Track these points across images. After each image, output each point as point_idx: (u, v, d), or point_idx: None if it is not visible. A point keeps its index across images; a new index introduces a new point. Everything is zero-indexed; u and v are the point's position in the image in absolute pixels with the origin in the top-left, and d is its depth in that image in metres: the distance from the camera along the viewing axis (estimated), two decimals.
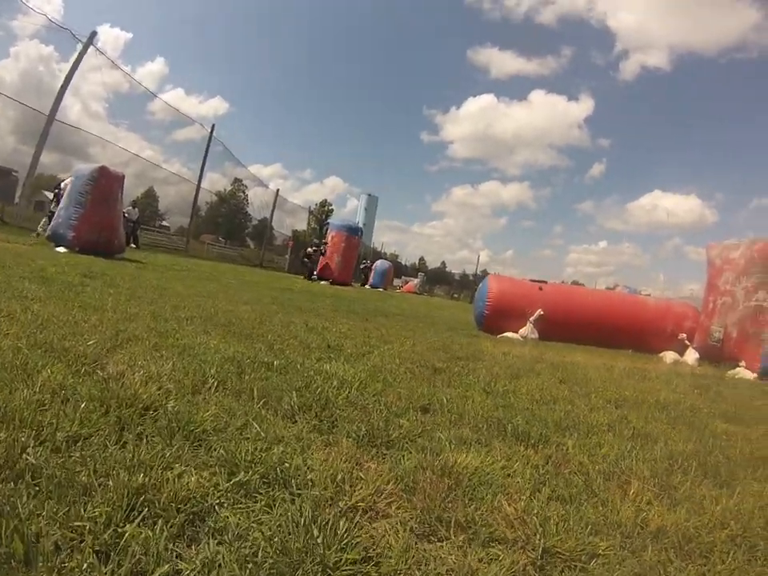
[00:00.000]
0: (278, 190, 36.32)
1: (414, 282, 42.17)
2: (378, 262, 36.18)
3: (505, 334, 8.55)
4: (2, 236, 11.52)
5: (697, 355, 8.31)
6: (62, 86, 18.41)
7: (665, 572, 1.47)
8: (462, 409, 2.93)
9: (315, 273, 23.15)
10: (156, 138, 43.01)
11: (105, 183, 11.69)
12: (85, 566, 1.09)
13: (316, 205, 55.98)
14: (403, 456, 2.04)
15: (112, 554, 1.15)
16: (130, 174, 12.66)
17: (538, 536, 1.53)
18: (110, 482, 1.42)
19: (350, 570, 1.25)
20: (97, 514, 1.28)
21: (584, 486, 2.04)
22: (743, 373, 7.31)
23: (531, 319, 8.69)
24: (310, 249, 23.88)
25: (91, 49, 18.89)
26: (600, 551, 1.52)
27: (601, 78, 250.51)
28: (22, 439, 1.57)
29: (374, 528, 1.47)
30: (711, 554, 1.60)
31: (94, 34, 19.12)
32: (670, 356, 8.22)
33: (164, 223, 35.54)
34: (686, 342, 8.69)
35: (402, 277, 47.44)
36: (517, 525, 1.60)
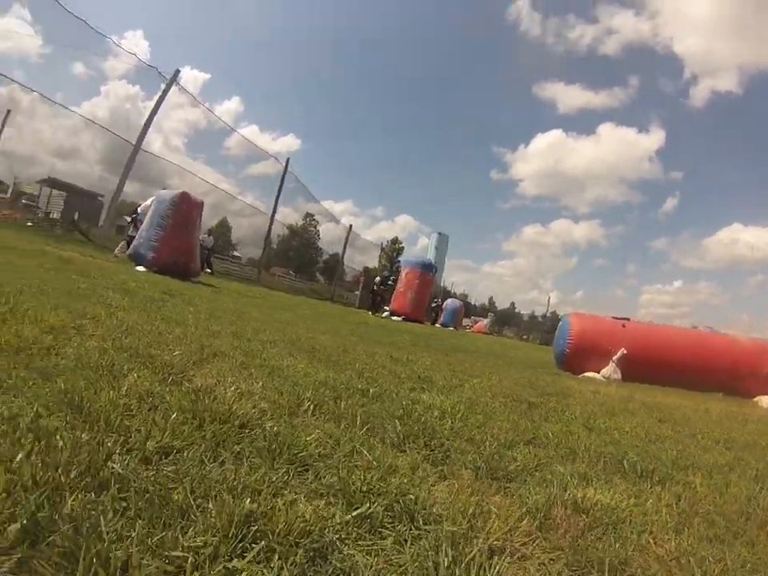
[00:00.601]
0: (350, 226, 37.06)
1: (484, 321, 41.82)
2: (449, 301, 36.07)
3: (586, 374, 8.27)
4: (87, 252, 12.26)
5: None
6: (147, 120, 19.71)
7: None
8: (569, 444, 2.83)
9: (387, 307, 23.17)
10: (231, 172, 45.39)
11: (186, 208, 12.26)
12: None
13: (387, 242, 56.84)
14: (528, 490, 1.95)
15: None
16: (206, 204, 13.23)
17: None
18: (211, 505, 1.29)
19: None
20: (199, 543, 1.14)
21: (726, 526, 1.89)
22: None
23: (614, 358, 8.37)
24: (377, 279, 23.66)
25: (173, 88, 20.08)
26: None
27: (671, 107, 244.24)
28: (108, 444, 1.48)
29: (521, 571, 1.36)
30: None
31: (177, 72, 20.18)
32: (765, 400, 7.68)
33: (236, 253, 36.86)
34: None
35: (472, 317, 46.98)
36: (673, 566, 1.49)
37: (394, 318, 21.45)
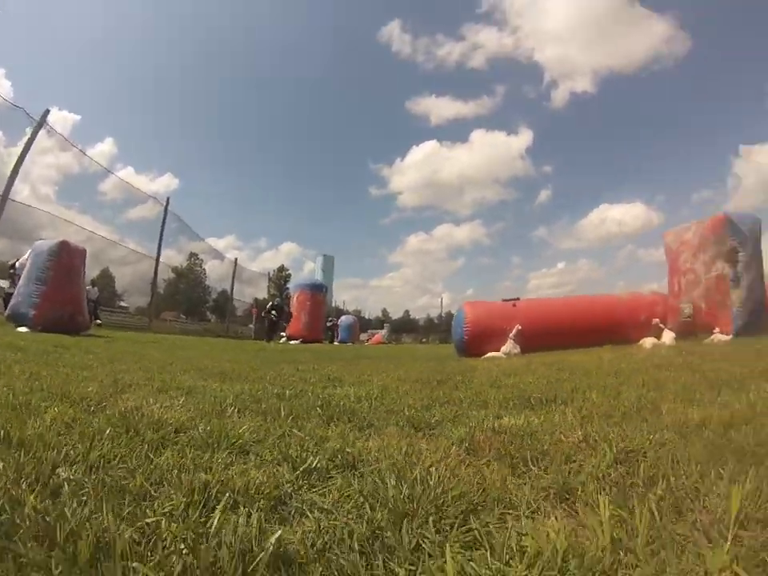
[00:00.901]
0: (236, 260, 35.93)
1: (381, 332, 42.32)
2: (343, 318, 36.16)
3: (488, 355, 8.66)
4: None
5: (673, 335, 8.60)
6: (14, 166, 17.12)
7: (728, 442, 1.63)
8: (480, 399, 3.06)
9: (283, 333, 22.86)
10: (109, 219, 41.94)
11: (66, 258, 11.38)
12: (174, 557, 0.97)
13: (274, 271, 56.14)
14: (451, 431, 2.14)
15: (203, 541, 1.04)
16: (87, 256, 12.39)
17: (607, 450, 1.65)
18: (168, 487, 1.36)
19: (459, 504, 1.29)
20: (168, 508, 1.21)
21: (621, 416, 2.20)
22: (719, 337, 7.66)
23: (511, 335, 8.88)
24: (267, 306, 22.43)
25: (41, 130, 18.29)
26: (665, 441, 1.68)
27: (535, 110, 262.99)
28: (51, 458, 1.49)
29: (459, 474, 1.54)
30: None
31: (47, 112, 18.12)
32: (648, 341, 8.47)
33: (122, 303, 34.74)
34: (661, 325, 8.99)
35: (368, 330, 47.31)
36: (583, 446, 1.75)
37: (292, 342, 21.17)
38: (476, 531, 1.09)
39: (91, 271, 20.38)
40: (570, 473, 1.45)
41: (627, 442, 1.70)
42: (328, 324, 32.93)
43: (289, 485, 1.45)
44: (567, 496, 1.29)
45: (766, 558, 0.87)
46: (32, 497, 1.20)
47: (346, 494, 1.40)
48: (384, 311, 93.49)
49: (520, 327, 8.93)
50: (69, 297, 11.48)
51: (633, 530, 1.00)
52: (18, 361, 4.16)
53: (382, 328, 43.66)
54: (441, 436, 2.08)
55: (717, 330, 7.97)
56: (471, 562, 0.93)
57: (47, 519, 1.09)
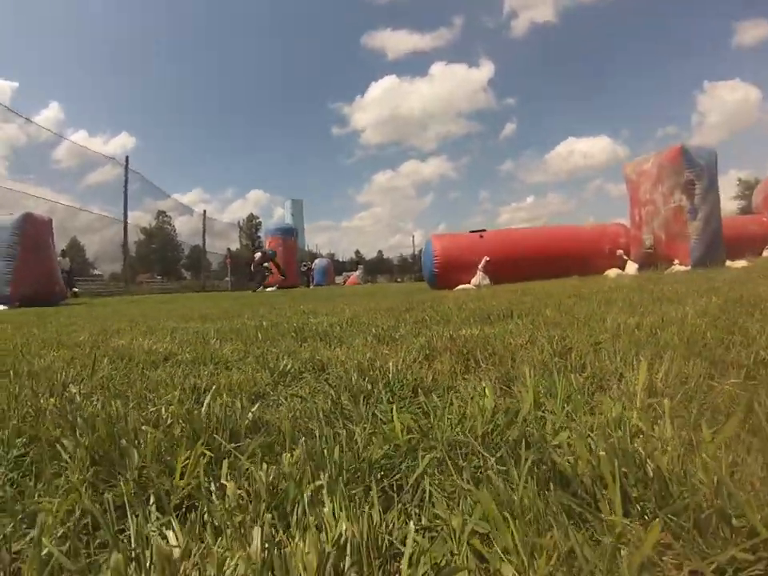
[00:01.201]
0: (204, 212, 35.09)
1: (356, 274, 42.17)
2: (317, 261, 36.24)
3: (459, 287, 8.89)
4: None
5: (636, 266, 8.92)
6: None
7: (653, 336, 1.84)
8: (444, 317, 3.26)
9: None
10: (67, 188, 40.55)
11: (32, 230, 11.33)
12: (175, 425, 1.14)
13: (243, 220, 55.43)
14: (412, 342, 2.32)
15: (195, 413, 1.19)
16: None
17: (554, 345, 1.84)
18: (163, 390, 1.55)
19: (411, 387, 1.48)
20: (167, 400, 1.39)
21: (568, 324, 2.40)
22: (678, 268, 7.96)
23: (480, 267, 9.12)
24: (257, 256, 22.25)
25: None
26: (600, 340, 1.88)
27: (495, 40, 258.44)
28: (62, 378, 1.74)
29: (415, 369, 1.72)
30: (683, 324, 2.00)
31: None
32: (612, 272, 8.80)
33: (96, 272, 34.14)
34: (624, 256, 9.32)
35: (343, 273, 47.35)
36: (528, 346, 1.93)
37: (268, 289, 21.09)
38: (423, 404, 1.26)
39: (60, 242, 19.75)
40: (512, 365, 1.64)
41: (567, 341, 1.89)
42: (303, 269, 32.90)
43: (267, 385, 1.64)
44: (508, 382, 1.47)
45: (659, 412, 1.04)
46: (52, 400, 1.40)
47: (315, 389, 1.58)
48: (357, 252, 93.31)
49: (488, 258, 9.15)
50: (41, 268, 11.47)
51: (554, 395, 1.19)
52: (4, 329, 4.27)
53: (357, 269, 43.47)
54: (403, 345, 2.24)
55: (676, 261, 8.25)
56: (416, 422, 1.10)
57: (67, 411, 1.26)
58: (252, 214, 63.08)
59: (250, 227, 58.10)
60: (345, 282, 40.12)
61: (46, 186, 30.16)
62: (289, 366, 1.84)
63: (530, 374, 1.24)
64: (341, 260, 73.65)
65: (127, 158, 26.43)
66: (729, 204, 41.98)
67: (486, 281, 9.08)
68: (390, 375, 1.58)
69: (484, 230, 10.20)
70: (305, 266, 33.94)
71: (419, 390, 1.44)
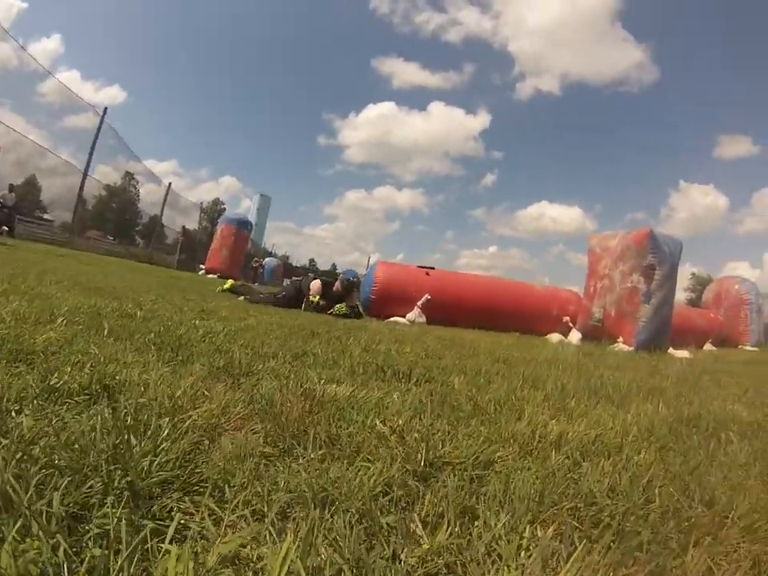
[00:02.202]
0: (169, 184, 33.18)
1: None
2: (268, 260, 35.35)
3: (392, 319, 8.30)
4: None
5: (580, 335, 8.56)
6: None
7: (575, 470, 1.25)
8: (337, 359, 2.60)
9: (202, 265, 21.90)
10: (44, 123, 38.02)
11: None
12: None
13: (209, 202, 53.55)
14: (260, 384, 1.73)
15: None
16: (12, 159, 11.20)
17: (421, 450, 1.24)
18: None
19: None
20: None
21: (473, 411, 1.79)
22: (621, 347, 7.62)
23: (419, 303, 8.55)
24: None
25: None
26: (497, 458, 1.27)
27: (498, 96, 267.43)
28: None
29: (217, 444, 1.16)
30: (621, 451, 1.42)
31: None
32: (555, 337, 8.37)
33: (47, 216, 31.76)
34: (570, 324, 8.93)
35: (293, 277, 46.22)
36: (394, 441, 1.31)
37: (210, 276, 20.17)
38: None
39: (15, 178, 18.15)
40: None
41: (443, 451, 1.29)
42: (253, 265, 32.12)
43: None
44: None
45: None
46: None
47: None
48: (312, 261, 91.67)
49: (429, 297, 8.59)
50: None
51: None
52: None
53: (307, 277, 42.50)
54: (247, 387, 1.69)
55: (621, 339, 7.96)
56: None
57: None
58: (218, 198, 61.09)
59: (214, 211, 56.13)
60: None
61: (24, 116, 28.00)
62: None
63: None
64: (294, 264, 71.77)
65: (105, 108, 24.78)
66: (680, 294, 43.35)
67: (422, 318, 8.53)
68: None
69: (432, 268, 9.64)
70: (256, 262, 33.10)
71: None
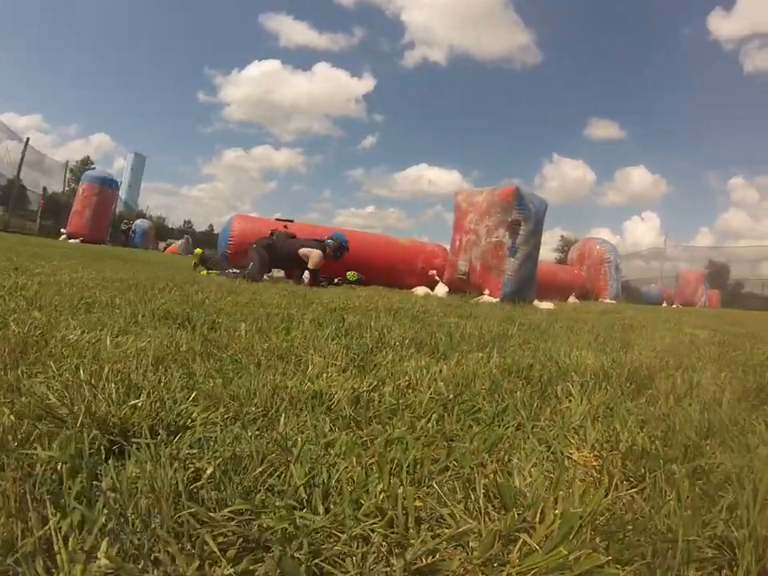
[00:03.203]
0: (27, 140, 29.71)
1: (178, 243, 39.10)
2: (138, 222, 32.91)
3: None
4: None
5: (446, 289, 8.59)
6: None
7: None
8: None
9: (63, 230, 19.80)
10: None
11: None
12: None
13: (77, 162, 48.50)
14: None
15: None
16: None
17: None
18: None
19: None
20: None
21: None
22: (487, 299, 7.71)
23: None
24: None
25: None
26: None
27: (385, 62, 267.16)
28: None
29: None
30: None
31: None
32: (420, 290, 8.26)
33: None
34: (436, 277, 8.94)
35: (168, 239, 43.50)
36: None
37: (71, 240, 18.26)
38: None
39: None
40: None
41: None
42: (123, 227, 29.98)
43: None
44: None
45: None
46: None
47: None
48: (188, 222, 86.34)
49: None
50: None
51: None
52: None
53: (182, 238, 40.04)
54: None
55: (486, 291, 8.08)
56: None
57: None
58: (88, 157, 55.44)
59: (83, 172, 51.20)
60: (164, 250, 37.12)
61: None
62: None
63: None
64: (170, 226, 67.46)
65: None
66: (550, 254, 45.94)
67: (281, 273, 8.15)
68: None
69: (291, 221, 9.18)
70: (126, 224, 30.86)
71: None
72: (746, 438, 1.21)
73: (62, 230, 20.41)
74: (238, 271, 7.03)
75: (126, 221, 31.70)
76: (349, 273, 7.60)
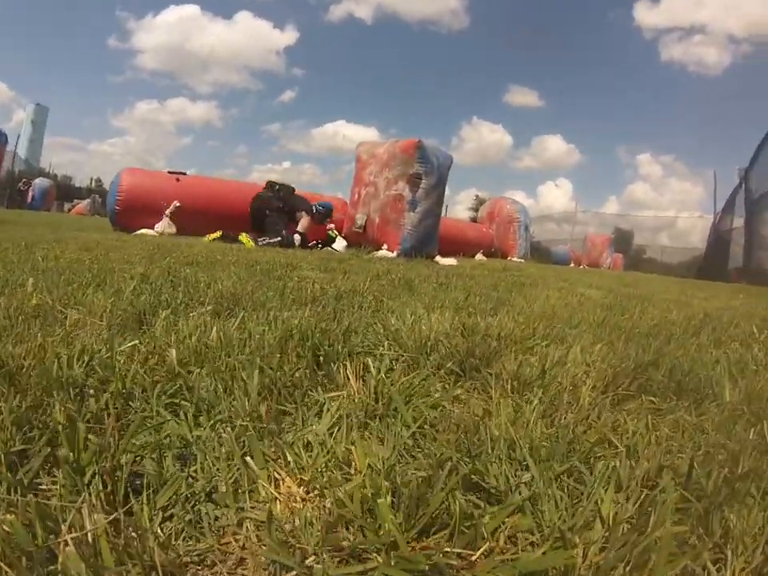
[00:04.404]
0: None
1: (84, 202, 36.58)
2: (37, 181, 30.22)
3: (141, 231, 7.28)
4: None
5: (345, 243, 8.34)
6: None
7: None
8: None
9: None
10: None
11: None
12: None
13: None
14: None
15: None
16: None
17: None
18: None
19: None
20: None
21: None
22: (384, 253, 7.49)
23: (167, 212, 7.56)
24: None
25: None
26: None
27: (310, 15, 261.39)
28: None
29: None
30: None
31: None
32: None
33: None
34: (334, 232, 8.67)
35: (74, 200, 40.47)
36: None
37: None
38: None
39: None
40: None
41: None
42: (20, 188, 27.62)
43: None
44: None
45: None
46: None
47: None
48: (97, 180, 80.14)
49: (178, 204, 7.61)
50: None
51: None
52: None
53: (89, 198, 37.30)
54: None
55: (385, 246, 7.87)
56: None
57: None
58: None
59: None
60: (69, 211, 34.60)
61: None
62: None
63: None
64: (77, 185, 62.79)
65: None
66: (464, 213, 46.67)
67: (172, 229, 7.57)
68: None
69: (184, 173, 8.45)
70: (25, 184, 28.35)
71: None
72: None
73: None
74: (274, 240, 6.99)
75: (24, 179, 29.17)
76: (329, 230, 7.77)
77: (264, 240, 6.96)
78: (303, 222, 7.25)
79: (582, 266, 20.51)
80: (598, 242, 24.25)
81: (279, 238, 7.09)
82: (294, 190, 7.69)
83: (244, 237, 6.95)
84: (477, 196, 58.82)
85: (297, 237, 7.38)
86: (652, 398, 1.28)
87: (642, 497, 0.74)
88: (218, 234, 6.96)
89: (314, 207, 7.92)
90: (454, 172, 8.78)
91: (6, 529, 0.55)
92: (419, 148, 8.00)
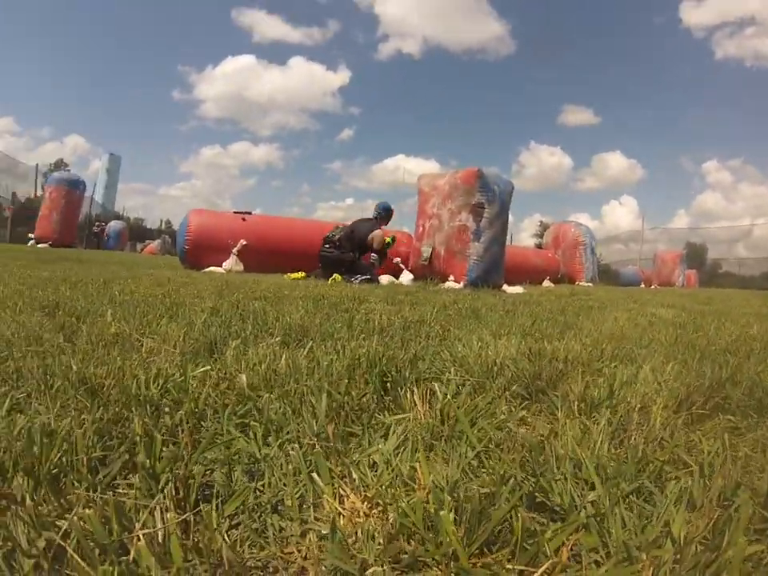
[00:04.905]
0: None
1: (155, 243, 38.61)
2: (112, 223, 32.19)
3: (208, 269, 7.67)
4: None
5: (411, 276, 8.37)
6: None
7: None
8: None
9: (32, 235, 19.21)
10: None
11: None
12: None
13: (50, 165, 47.50)
14: None
15: None
16: None
17: None
18: None
19: None
20: None
21: None
22: (452, 284, 7.51)
23: (234, 250, 7.91)
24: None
25: None
26: None
27: (359, 55, 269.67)
28: None
29: None
30: None
31: None
32: (385, 278, 8.03)
33: None
34: (401, 265, 8.74)
35: (146, 240, 42.94)
36: None
37: (40, 245, 17.77)
38: None
39: None
40: None
41: None
42: (95, 230, 29.41)
43: None
44: None
45: None
46: None
47: None
48: (167, 222, 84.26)
49: (245, 242, 7.96)
50: None
51: None
52: None
53: (159, 238, 39.38)
54: None
55: (452, 277, 7.87)
56: None
57: None
58: (62, 159, 54.12)
59: None
60: (142, 250, 36.65)
61: None
62: None
63: None
64: (149, 227, 66.32)
65: None
66: (529, 240, 46.10)
67: (240, 266, 7.91)
68: None
69: (249, 213, 8.83)
70: (98, 226, 30.23)
71: None
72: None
73: (30, 234, 19.82)
74: (367, 277, 7.27)
75: (98, 222, 31.08)
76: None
77: (357, 278, 7.13)
78: (378, 238, 7.59)
79: (652, 286, 19.78)
80: (669, 260, 23.15)
81: (369, 276, 7.32)
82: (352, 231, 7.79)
83: (338, 278, 7.08)
84: (541, 222, 58.05)
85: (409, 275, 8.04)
86: (730, 417, 1.23)
87: (716, 516, 0.72)
88: (301, 274, 7.13)
89: (374, 217, 8.11)
90: (516, 198, 8.69)
91: (83, 524, 0.62)
92: (480, 177, 7.98)
